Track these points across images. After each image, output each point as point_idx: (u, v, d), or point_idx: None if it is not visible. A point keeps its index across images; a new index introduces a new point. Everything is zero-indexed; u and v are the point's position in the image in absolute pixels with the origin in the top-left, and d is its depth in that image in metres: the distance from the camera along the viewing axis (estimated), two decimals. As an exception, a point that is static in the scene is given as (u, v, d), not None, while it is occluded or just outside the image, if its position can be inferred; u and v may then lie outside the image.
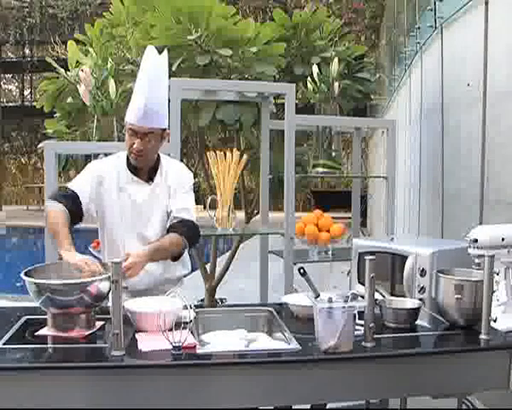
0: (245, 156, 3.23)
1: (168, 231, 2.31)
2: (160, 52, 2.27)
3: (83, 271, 1.97)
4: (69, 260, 2.01)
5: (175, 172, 2.40)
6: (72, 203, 2.24)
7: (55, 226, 2.14)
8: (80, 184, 2.32)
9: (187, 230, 2.30)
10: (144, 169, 2.34)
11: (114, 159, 2.40)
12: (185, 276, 2.52)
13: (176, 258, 2.33)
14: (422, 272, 2.14)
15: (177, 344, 1.71)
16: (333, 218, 3.68)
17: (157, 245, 2.23)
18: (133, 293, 2.22)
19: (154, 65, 2.24)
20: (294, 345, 1.83)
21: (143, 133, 2.22)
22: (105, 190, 2.33)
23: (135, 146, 2.23)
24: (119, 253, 2.24)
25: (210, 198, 3.18)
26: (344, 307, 1.75)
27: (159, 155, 2.38)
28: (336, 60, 3.72)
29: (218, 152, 3.19)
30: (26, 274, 1.93)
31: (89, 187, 2.31)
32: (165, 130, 2.31)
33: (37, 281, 1.89)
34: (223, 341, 1.94)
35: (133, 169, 2.34)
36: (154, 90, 2.21)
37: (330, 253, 3.63)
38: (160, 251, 2.23)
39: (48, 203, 2.25)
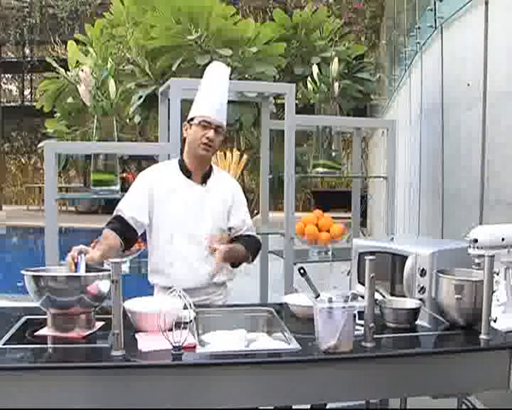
0: (245, 156, 3.24)
1: (237, 239, 2.46)
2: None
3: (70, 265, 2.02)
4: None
5: (228, 181, 2.53)
6: (127, 231, 2.32)
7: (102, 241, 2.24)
8: (134, 207, 2.36)
9: (257, 246, 2.55)
10: (198, 173, 2.42)
11: (167, 164, 2.53)
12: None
13: (235, 265, 2.50)
14: (422, 272, 2.14)
15: (177, 344, 1.71)
16: (333, 218, 3.68)
17: (233, 247, 2.40)
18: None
19: (220, 73, 2.43)
20: (294, 345, 1.83)
21: (216, 125, 2.35)
22: (157, 195, 2.38)
23: (208, 135, 2.33)
24: (168, 253, 2.37)
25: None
26: (344, 307, 1.75)
27: (211, 164, 2.49)
28: (336, 60, 3.72)
29: (218, 152, 3.19)
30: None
31: (145, 203, 2.36)
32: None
33: (37, 273, 1.89)
34: (223, 341, 1.94)
35: (186, 173, 2.41)
36: (222, 92, 2.40)
37: (330, 253, 3.62)
38: (234, 252, 2.40)
39: (104, 230, 2.30)
